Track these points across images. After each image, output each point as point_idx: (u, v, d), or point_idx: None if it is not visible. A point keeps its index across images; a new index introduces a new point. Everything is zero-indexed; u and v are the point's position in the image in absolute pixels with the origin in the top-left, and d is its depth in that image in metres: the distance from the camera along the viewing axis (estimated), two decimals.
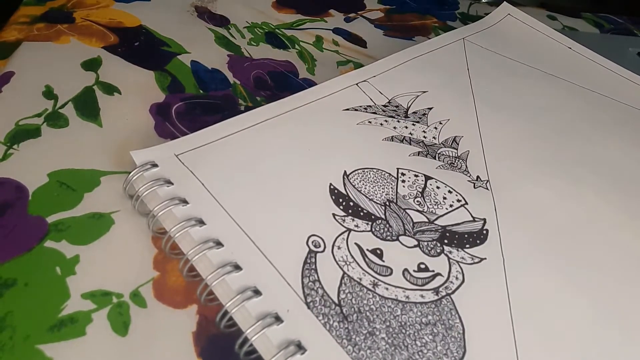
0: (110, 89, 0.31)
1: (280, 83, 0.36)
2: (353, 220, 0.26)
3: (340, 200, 0.26)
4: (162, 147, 0.26)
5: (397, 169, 0.29)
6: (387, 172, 0.29)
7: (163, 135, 0.29)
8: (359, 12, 0.47)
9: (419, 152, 0.31)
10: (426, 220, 0.27)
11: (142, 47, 0.34)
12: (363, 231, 0.25)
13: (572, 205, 0.30)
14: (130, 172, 0.24)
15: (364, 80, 0.35)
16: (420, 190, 0.28)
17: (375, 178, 0.28)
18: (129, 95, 0.31)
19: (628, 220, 0.30)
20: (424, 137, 0.32)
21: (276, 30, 0.41)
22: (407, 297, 0.23)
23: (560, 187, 0.31)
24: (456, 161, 0.31)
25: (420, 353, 0.21)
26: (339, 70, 0.39)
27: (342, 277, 0.23)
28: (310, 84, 0.37)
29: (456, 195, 0.29)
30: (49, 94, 0.29)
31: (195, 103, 0.32)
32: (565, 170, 0.33)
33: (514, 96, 0.38)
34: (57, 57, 0.31)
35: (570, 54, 0.47)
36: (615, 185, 0.32)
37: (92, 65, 0.32)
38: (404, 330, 0.22)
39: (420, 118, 0.33)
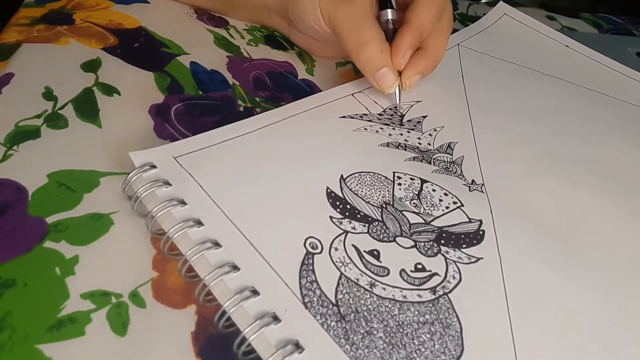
0: (109, 90, 0.31)
1: (279, 84, 0.36)
2: (350, 222, 0.26)
3: (337, 203, 0.27)
4: (161, 148, 0.26)
5: (393, 172, 0.29)
6: (383, 176, 0.29)
7: (162, 136, 0.29)
8: None
9: (414, 157, 0.31)
10: (423, 221, 0.27)
11: (141, 48, 0.34)
12: (360, 233, 0.25)
13: (569, 205, 0.30)
14: (129, 173, 0.24)
15: (360, 91, 0.35)
16: (417, 192, 0.28)
17: (371, 181, 0.28)
18: (129, 96, 0.31)
19: (624, 218, 0.30)
20: (419, 143, 0.32)
21: (275, 32, 0.41)
22: (405, 296, 0.23)
23: (556, 187, 0.31)
24: (451, 166, 0.31)
25: (418, 352, 0.22)
26: (338, 71, 0.39)
27: (340, 278, 0.23)
28: (309, 84, 0.37)
29: (452, 197, 0.29)
30: (48, 95, 0.29)
31: (195, 104, 0.32)
32: (562, 170, 0.33)
33: (510, 99, 0.39)
34: (57, 59, 0.32)
35: (567, 52, 0.47)
36: (613, 183, 0.33)
37: (91, 66, 0.32)
38: (401, 330, 0.22)
39: (415, 126, 0.34)
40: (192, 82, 0.33)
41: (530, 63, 0.44)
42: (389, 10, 0.34)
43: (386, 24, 0.34)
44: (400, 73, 0.34)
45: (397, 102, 0.35)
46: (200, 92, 0.33)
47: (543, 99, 0.39)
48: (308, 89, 0.36)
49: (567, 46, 0.47)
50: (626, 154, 0.36)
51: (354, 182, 0.28)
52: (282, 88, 0.36)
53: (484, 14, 0.50)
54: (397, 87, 0.34)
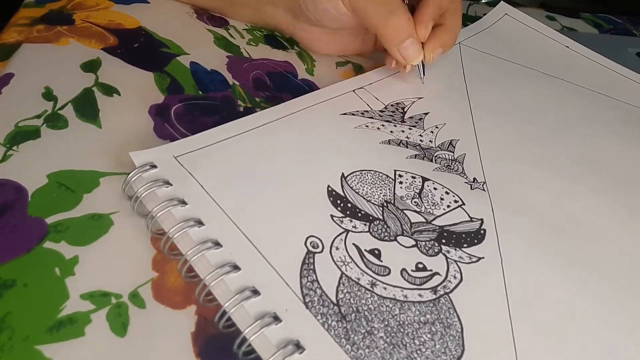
0: (109, 90, 0.31)
1: (279, 84, 0.36)
2: (351, 221, 0.26)
3: (338, 201, 0.27)
4: (161, 148, 0.26)
5: (395, 170, 0.29)
6: (384, 174, 0.29)
7: (162, 136, 0.29)
8: None
9: (415, 155, 0.31)
10: (424, 220, 0.27)
11: (141, 48, 0.34)
12: (361, 232, 0.25)
13: (570, 205, 0.30)
14: (129, 173, 0.24)
15: (361, 87, 0.35)
16: (418, 191, 0.28)
17: (372, 180, 0.28)
18: (128, 96, 0.31)
19: (625, 218, 0.30)
20: (421, 140, 0.32)
21: (275, 32, 0.41)
22: (405, 296, 0.23)
23: (557, 186, 0.31)
24: (453, 164, 0.31)
25: (418, 351, 0.21)
26: (338, 71, 0.39)
27: (341, 277, 0.23)
28: (309, 84, 0.37)
29: (453, 196, 0.29)
30: (48, 95, 0.29)
31: (195, 104, 0.32)
32: (563, 170, 0.33)
33: (511, 98, 0.39)
34: (57, 59, 0.31)
35: (567, 53, 0.47)
36: (613, 183, 0.33)
37: (91, 66, 0.32)
38: (402, 329, 0.22)
39: (416, 123, 0.34)
40: (192, 82, 0.33)
41: (531, 63, 0.44)
42: None
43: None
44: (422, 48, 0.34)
45: (422, 76, 0.35)
46: (200, 92, 0.33)
47: (543, 99, 0.39)
48: (308, 89, 0.36)
49: (567, 47, 0.47)
50: (626, 154, 0.36)
51: (355, 181, 0.28)
52: (282, 88, 0.36)
53: (484, 14, 0.50)
54: (421, 62, 0.35)
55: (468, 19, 0.52)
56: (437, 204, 0.28)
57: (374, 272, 0.24)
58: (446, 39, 0.35)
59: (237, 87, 0.34)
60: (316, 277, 0.23)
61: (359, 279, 0.23)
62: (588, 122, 0.38)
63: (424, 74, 0.35)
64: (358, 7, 0.33)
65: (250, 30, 0.40)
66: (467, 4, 0.56)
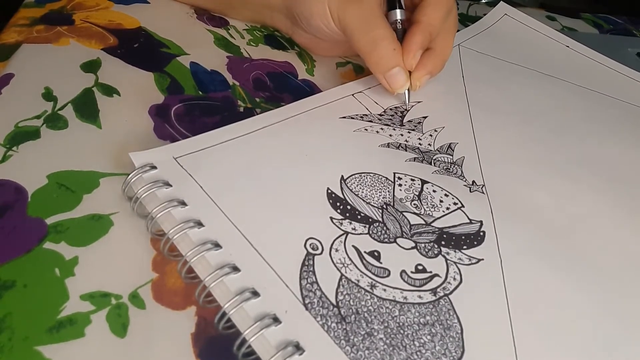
0: (109, 91, 0.31)
1: (279, 84, 0.36)
2: (350, 223, 0.26)
3: (338, 204, 0.27)
4: (161, 149, 0.26)
5: (394, 173, 0.29)
6: (383, 177, 0.29)
7: (162, 136, 0.29)
8: None
9: (414, 158, 0.31)
10: (423, 222, 0.27)
11: (141, 48, 0.34)
12: (360, 234, 0.25)
13: (569, 205, 0.30)
14: (129, 174, 0.24)
15: (360, 92, 0.35)
16: (417, 193, 0.28)
17: (372, 182, 0.28)
18: (128, 96, 0.31)
19: (625, 218, 0.30)
20: (420, 144, 0.32)
21: (275, 32, 0.41)
22: (405, 298, 0.23)
23: (556, 187, 0.31)
24: (452, 167, 0.31)
25: (418, 353, 0.21)
26: (338, 72, 0.39)
27: (340, 279, 0.23)
28: (309, 85, 0.37)
29: (452, 198, 0.29)
30: (48, 95, 0.29)
31: (195, 104, 0.32)
32: (562, 171, 0.33)
33: (510, 99, 0.39)
34: (57, 59, 0.31)
35: (568, 53, 0.47)
36: (612, 183, 0.33)
37: (91, 66, 0.32)
38: (402, 331, 0.22)
39: (415, 126, 0.34)
40: (192, 82, 0.33)
41: (531, 63, 0.44)
42: (398, 11, 0.34)
43: (395, 24, 0.34)
44: (409, 73, 0.34)
45: (407, 102, 0.35)
46: (200, 93, 0.33)
47: (544, 100, 0.39)
48: (308, 89, 0.36)
49: (568, 46, 0.47)
50: (626, 154, 0.36)
51: (354, 183, 0.28)
52: (282, 88, 0.36)
53: (484, 15, 0.50)
54: (407, 88, 0.34)
55: (468, 19, 0.52)
56: (437, 206, 0.28)
57: (373, 273, 0.24)
58: (434, 66, 0.34)
59: (237, 88, 0.34)
60: (316, 278, 0.23)
61: (358, 280, 0.23)
62: (588, 122, 0.38)
63: (408, 101, 0.35)
64: (345, 31, 0.33)
65: (250, 30, 0.40)
66: (467, 4, 0.56)
